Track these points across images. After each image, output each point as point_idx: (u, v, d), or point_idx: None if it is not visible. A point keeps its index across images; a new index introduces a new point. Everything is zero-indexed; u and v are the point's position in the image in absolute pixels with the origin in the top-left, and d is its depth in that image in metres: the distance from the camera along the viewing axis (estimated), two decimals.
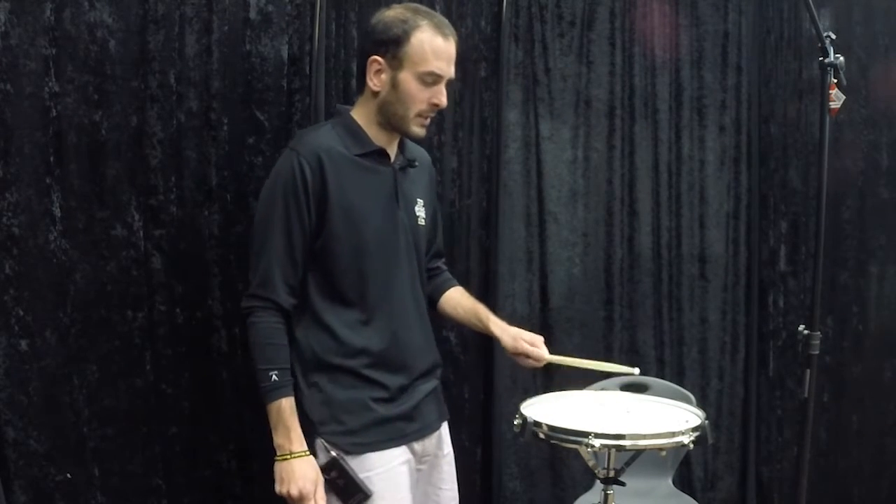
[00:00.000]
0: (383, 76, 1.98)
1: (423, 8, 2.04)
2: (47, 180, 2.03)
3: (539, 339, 2.20)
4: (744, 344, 3.37)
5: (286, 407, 1.91)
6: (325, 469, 1.92)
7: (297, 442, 1.91)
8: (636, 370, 2.24)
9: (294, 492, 1.88)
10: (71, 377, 2.09)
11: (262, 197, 1.99)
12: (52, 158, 2.04)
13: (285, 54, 2.42)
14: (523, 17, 3.06)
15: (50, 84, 2.02)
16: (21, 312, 2.01)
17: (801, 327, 2.18)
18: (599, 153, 3.20)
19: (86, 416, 2.11)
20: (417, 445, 2.07)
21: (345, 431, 1.95)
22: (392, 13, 2.00)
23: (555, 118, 3.12)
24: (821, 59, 2.12)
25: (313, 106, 2.38)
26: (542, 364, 2.19)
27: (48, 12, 2.02)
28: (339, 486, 1.91)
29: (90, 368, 2.12)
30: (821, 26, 2.11)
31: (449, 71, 2.00)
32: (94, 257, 2.12)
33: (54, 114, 2.04)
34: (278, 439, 1.91)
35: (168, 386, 2.25)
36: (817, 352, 2.16)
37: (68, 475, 2.09)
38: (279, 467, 1.91)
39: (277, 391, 1.91)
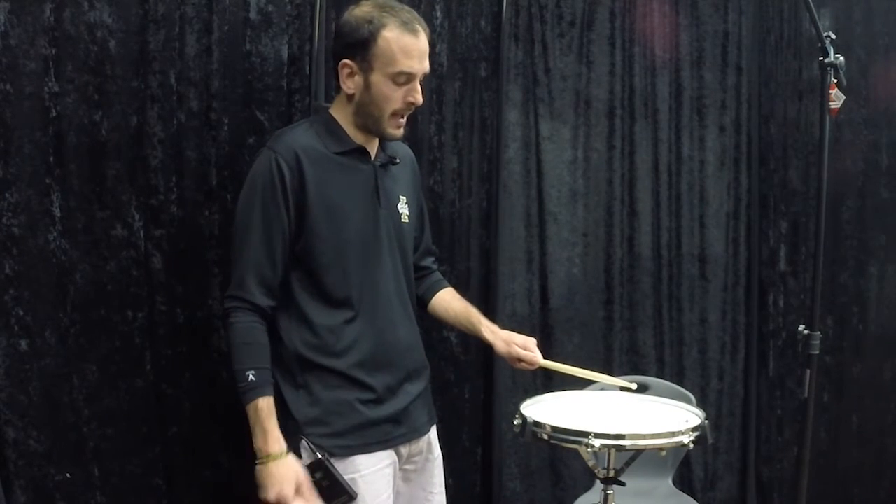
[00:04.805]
0: (356, 78, 1.95)
1: (391, 3, 1.97)
2: (47, 180, 2.03)
3: (532, 343, 2.19)
4: (744, 344, 3.38)
5: (263, 407, 1.86)
6: (310, 470, 1.90)
7: (274, 443, 1.86)
8: (633, 385, 2.24)
9: (272, 497, 1.84)
10: (71, 377, 2.09)
11: (241, 197, 1.96)
12: (51, 158, 2.03)
13: (285, 54, 2.42)
14: (523, 17, 3.06)
15: (50, 84, 2.02)
16: (21, 312, 2.00)
17: (801, 327, 2.18)
18: (599, 153, 3.20)
19: (86, 416, 2.11)
20: (403, 449, 2.05)
21: (331, 433, 1.92)
22: (358, 12, 1.95)
23: (555, 118, 3.12)
24: (821, 59, 2.12)
25: (313, 106, 2.38)
26: (535, 367, 2.19)
27: (48, 12, 2.01)
28: (324, 487, 1.90)
29: (90, 368, 2.12)
30: (821, 26, 2.11)
31: (421, 67, 1.94)
32: (95, 257, 2.12)
33: (54, 114, 2.03)
34: (256, 443, 1.87)
35: (168, 386, 2.25)
36: (817, 352, 2.16)
37: (68, 475, 2.08)
38: (259, 473, 1.87)
39: (254, 391, 1.86)
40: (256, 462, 1.88)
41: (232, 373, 1.89)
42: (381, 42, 1.90)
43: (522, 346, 2.17)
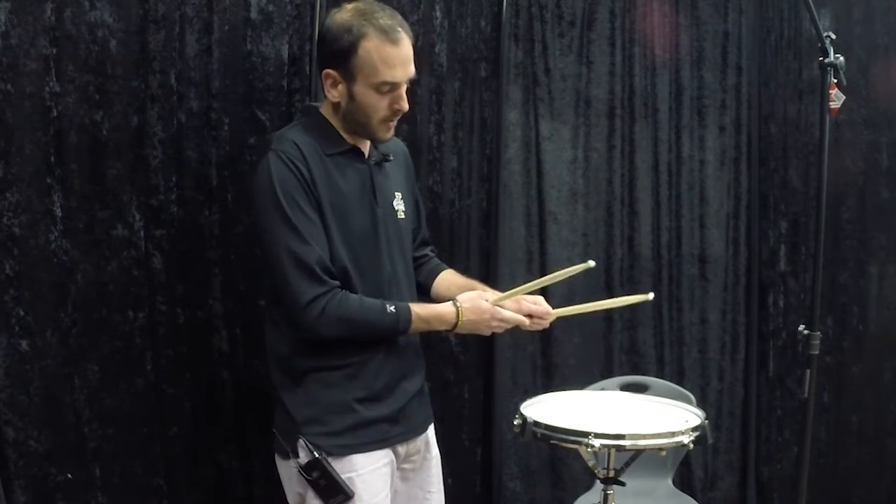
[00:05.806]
0: (340, 88, 1.92)
1: (371, 7, 1.91)
2: (48, 180, 2.03)
3: (541, 298, 2.13)
4: (744, 344, 3.38)
5: (416, 310, 1.95)
6: (307, 469, 1.90)
7: (446, 313, 1.98)
8: (650, 295, 2.16)
9: (501, 326, 2.02)
10: (71, 377, 2.09)
11: (264, 211, 1.89)
12: (52, 158, 2.03)
13: (286, 54, 2.42)
14: (523, 17, 3.06)
15: (50, 84, 2.02)
16: (21, 312, 2.00)
17: (801, 327, 2.18)
18: (599, 153, 3.20)
19: (86, 416, 2.11)
20: (401, 448, 2.04)
21: (328, 433, 1.91)
22: (339, 18, 1.91)
23: (555, 118, 3.13)
24: (821, 59, 2.12)
25: (303, 107, 2.37)
26: (549, 321, 2.11)
27: (48, 12, 2.01)
28: (322, 486, 1.90)
29: (91, 368, 2.12)
30: (821, 26, 2.11)
31: (405, 74, 1.91)
32: (95, 257, 2.12)
33: (55, 114, 2.03)
34: (443, 328, 2.00)
35: (169, 386, 2.25)
36: (817, 352, 2.16)
37: (69, 475, 2.08)
38: (473, 333, 2.05)
39: (403, 310, 1.94)
40: (457, 334, 2.12)
41: (375, 334, 1.94)
42: (361, 53, 1.87)
43: (532, 302, 2.11)
